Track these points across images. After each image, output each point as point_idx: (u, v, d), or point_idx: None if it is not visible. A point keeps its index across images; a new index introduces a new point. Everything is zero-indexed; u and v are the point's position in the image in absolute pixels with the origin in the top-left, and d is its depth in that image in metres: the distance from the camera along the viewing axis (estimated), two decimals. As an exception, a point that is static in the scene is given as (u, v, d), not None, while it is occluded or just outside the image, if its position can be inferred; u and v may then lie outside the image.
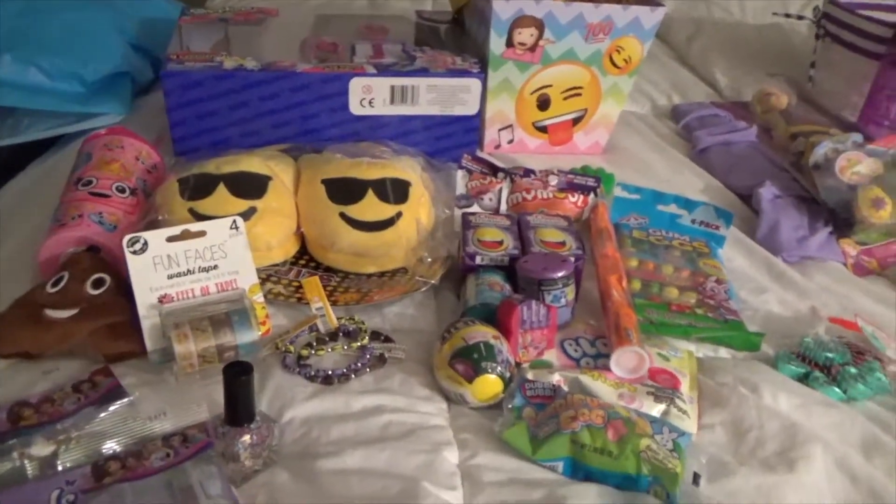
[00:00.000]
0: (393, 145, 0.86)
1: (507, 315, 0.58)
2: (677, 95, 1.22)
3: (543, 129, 0.99)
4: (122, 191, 0.69)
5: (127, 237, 0.58)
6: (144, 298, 0.57)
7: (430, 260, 0.67)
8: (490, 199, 0.82)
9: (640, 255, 0.75)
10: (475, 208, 0.82)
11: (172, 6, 1.16)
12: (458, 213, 0.80)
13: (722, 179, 0.96)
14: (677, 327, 0.65)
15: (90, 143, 0.75)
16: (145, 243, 0.58)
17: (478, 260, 0.67)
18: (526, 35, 0.89)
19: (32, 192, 0.86)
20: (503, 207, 0.82)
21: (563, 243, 0.70)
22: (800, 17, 1.31)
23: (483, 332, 0.56)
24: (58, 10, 0.94)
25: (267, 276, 0.68)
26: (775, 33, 1.52)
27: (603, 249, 0.72)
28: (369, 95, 0.86)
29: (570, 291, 0.64)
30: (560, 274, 0.62)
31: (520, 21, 0.87)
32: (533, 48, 0.90)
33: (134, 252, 0.58)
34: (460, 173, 0.85)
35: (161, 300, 0.58)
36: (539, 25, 0.88)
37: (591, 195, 0.83)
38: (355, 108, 0.87)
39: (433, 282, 0.66)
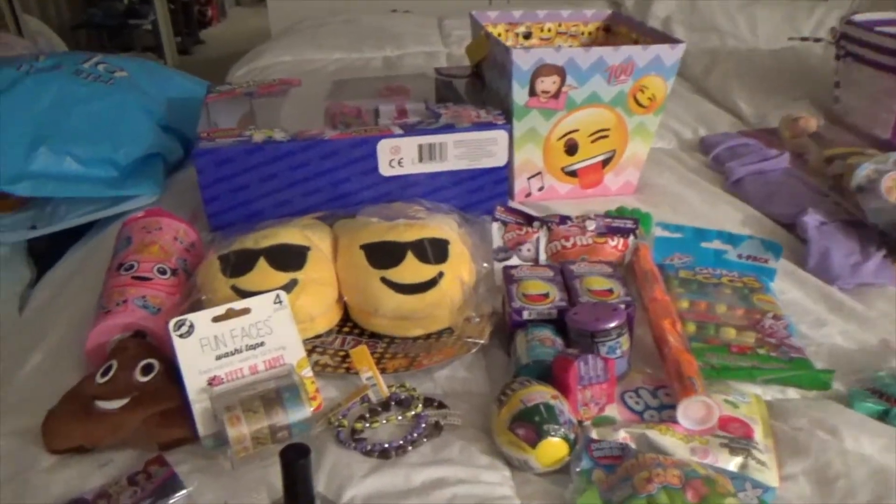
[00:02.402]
0: (426, 203, 0.86)
1: (563, 372, 0.56)
2: (703, 127, 1.22)
3: (573, 174, 0.98)
4: (164, 272, 0.69)
5: (172, 321, 0.57)
6: (194, 382, 0.57)
7: (477, 319, 0.66)
8: (528, 250, 0.81)
9: (690, 296, 0.73)
10: (514, 260, 0.80)
11: (196, 84, 1.20)
12: (497, 266, 0.79)
13: (760, 209, 0.94)
14: (741, 370, 0.62)
15: (129, 227, 0.76)
16: (191, 326, 0.58)
17: (525, 315, 0.65)
18: (548, 83, 0.89)
19: (73, 278, 0.87)
20: (542, 257, 0.80)
21: (610, 291, 0.68)
22: (816, 40, 1.31)
23: (541, 393, 0.54)
24: (86, 100, 0.96)
25: (312, 347, 0.67)
26: (791, 56, 1.52)
27: (651, 293, 0.70)
28: (398, 156, 0.87)
29: (624, 341, 0.62)
30: (613, 324, 0.60)
31: (541, 70, 0.88)
32: (556, 95, 0.90)
33: (180, 336, 0.57)
34: (495, 226, 0.84)
35: (210, 382, 0.57)
36: (560, 72, 0.88)
37: (631, 237, 0.81)
38: (385, 170, 0.87)
39: (482, 342, 0.64)
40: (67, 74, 0.98)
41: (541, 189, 0.99)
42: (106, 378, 0.58)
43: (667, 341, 0.63)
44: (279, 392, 0.56)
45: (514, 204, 0.95)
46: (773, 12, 1.76)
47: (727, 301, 0.72)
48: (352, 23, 1.92)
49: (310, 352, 0.66)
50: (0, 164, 0.88)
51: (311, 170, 0.85)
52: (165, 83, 1.12)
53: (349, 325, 0.71)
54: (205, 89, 1.15)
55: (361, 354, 0.60)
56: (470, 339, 0.64)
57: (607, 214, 0.90)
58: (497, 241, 0.83)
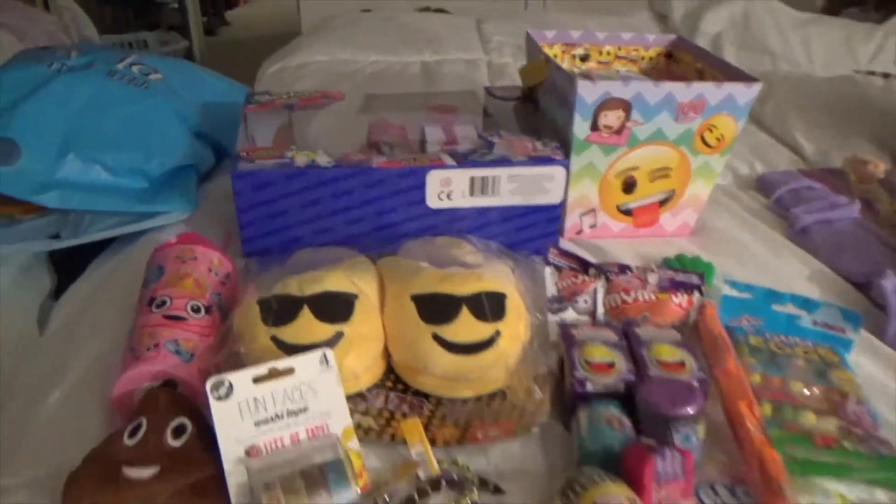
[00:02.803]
0: (473, 240, 0.81)
1: (638, 467, 0.51)
2: (759, 163, 1.15)
3: (628, 212, 0.92)
4: (197, 310, 0.64)
5: (210, 382, 0.52)
6: (230, 452, 0.52)
7: (539, 396, 0.60)
8: (585, 302, 0.75)
9: (763, 369, 0.67)
10: (570, 314, 0.75)
11: (230, 86, 1.14)
12: (552, 319, 0.74)
13: (829, 263, 0.88)
14: (826, 467, 0.57)
15: (161, 255, 0.71)
16: (230, 387, 0.53)
17: (589, 387, 0.60)
18: (612, 118, 0.83)
19: (97, 295, 0.81)
20: (600, 311, 0.75)
21: (682, 364, 0.62)
22: (885, 76, 1.23)
23: (617, 496, 0.48)
24: (119, 104, 0.91)
25: (354, 405, 0.62)
26: (850, 88, 1.45)
27: (724, 364, 0.65)
28: (447, 188, 0.81)
29: (701, 429, 0.56)
30: (692, 409, 0.55)
31: (606, 104, 0.81)
32: (619, 131, 0.84)
33: (218, 398, 0.52)
34: (548, 271, 0.79)
35: (248, 453, 0.52)
36: (626, 107, 0.82)
37: (696, 294, 0.75)
38: (432, 202, 0.81)
39: (543, 419, 0.59)
40: (101, 75, 0.92)
41: (592, 227, 0.93)
42: (135, 440, 0.53)
43: (746, 430, 0.57)
44: (323, 470, 0.51)
45: (566, 245, 0.89)
46: (828, 33, 1.69)
47: (803, 377, 0.66)
48: (388, 22, 1.86)
49: (351, 411, 0.61)
50: (27, 170, 0.83)
51: (355, 198, 0.80)
52: (199, 86, 1.07)
53: (392, 378, 0.66)
54: (238, 91, 1.10)
55: (413, 428, 0.55)
56: (530, 416, 0.58)
57: (667, 264, 0.85)
58: (550, 289, 0.77)
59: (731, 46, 1.66)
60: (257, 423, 0.53)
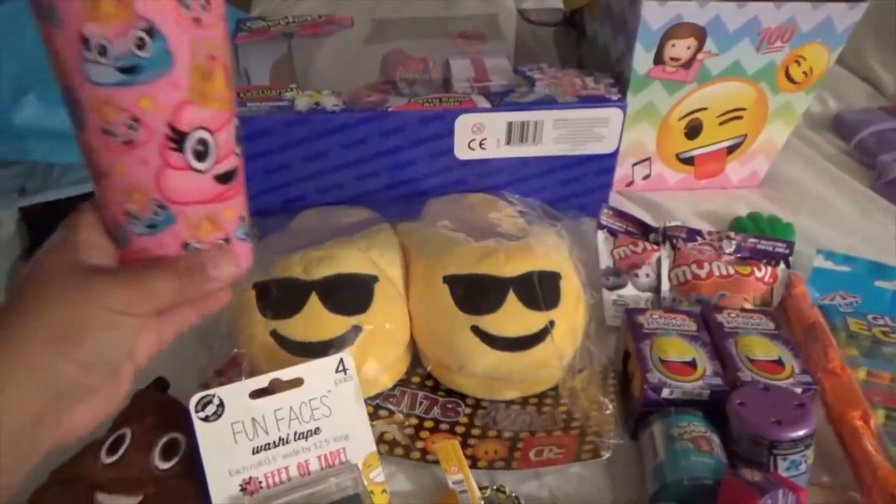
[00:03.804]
0: (513, 199, 0.68)
1: (741, 510, 0.40)
2: (832, 98, 1.00)
3: (689, 161, 0.78)
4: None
5: (195, 398, 0.41)
6: (221, 487, 0.41)
7: (609, 410, 0.48)
8: (647, 276, 0.63)
9: (867, 362, 0.55)
10: (629, 289, 0.63)
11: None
12: (607, 297, 0.62)
13: (927, 223, 0.75)
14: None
15: None
16: (220, 405, 0.41)
17: (666, 394, 0.48)
18: (681, 48, 0.68)
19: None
20: (665, 286, 0.63)
21: (779, 363, 0.50)
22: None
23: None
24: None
25: (374, 408, 0.51)
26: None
27: (825, 361, 0.53)
28: (480, 136, 0.67)
29: (811, 453, 0.45)
30: (803, 432, 0.43)
31: (675, 31, 0.66)
32: (688, 64, 0.69)
33: (205, 419, 0.41)
34: (601, 236, 0.66)
35: (244, 488, 0.41)
36: (699, 35, 0.67)
37: (782, 265, 0.63)
38: (461, 152, 0.68)
39: (613, 440, 0.47)
40: None
41: (646, 178, 0.79)
42: (114, 457, 0.43)
43: (865, 451, 0.46)
44: (340, 512, 0.40)
45: (618, 201, 0.76)
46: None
47: (917, 371, 0.55)
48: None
49: (371, 416, 0.50)
50: (-23, 115, 0.70)
51: (368, 149, 0.67)
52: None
53: (419, 373, 0.55)
54: (232, 15, 0.94)
55: (450, 451, 0.44)
56: (599, 440, 0.47)
57: (739, 225, 0.71)
58: (605, 259, 0.65)
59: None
60: (256, 450, 0.42)
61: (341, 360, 0.43)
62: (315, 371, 0.43)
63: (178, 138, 0.32)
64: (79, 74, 0.31)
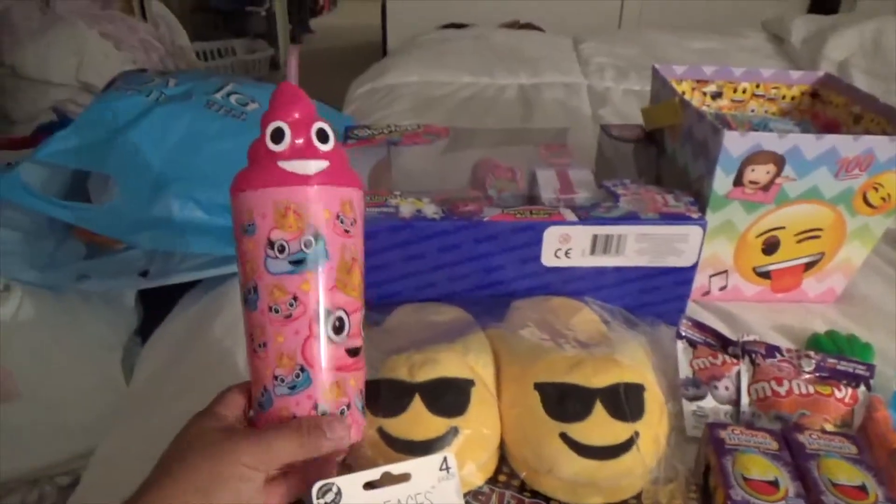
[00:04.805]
0: (595, 305, 0.72)
1: None
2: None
3: (766, 275, 0.81)
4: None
5: (316, 486, 0.45)
6: (335, 572, 0.45)
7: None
8: (727, 388, 0.65)
9: (954, 494, 0.55)
10: (708, 401, 0.65)
11: (330, 114, 1.09)
12: (687, 408, 0.64)
13: None
14: None
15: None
16: (338, 493, 0.46)
17: (750, 515, 0.50)
18: (760, 173, 0.72)
19: (188, 345, 0.77)
20: (745, 401, 0.64)
21: (862, 489, 0.51)
22: None
23: None
24: (217, 137, 0.87)
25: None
26: None
27: (911, 492, 0.53)
28: (566, 246, 0.72)
29: (900, 586, 0.45)
30: (891, 565, 0.44)
31: (755, 157, 0.71)
32: (767, 187, 0.73)
33: (323, 507, 0.45)
34: (680, 346, 0.69)
35: (354, 574, 0.45)
36: (778, 161, 0.71)
37: (862, 388, 0.64)
38: (548, 260, 0.73)
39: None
40: (199, 106, 0.89)
41: (723, 289, 0.82)
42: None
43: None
44: None
45: (694, 308, 0.79)
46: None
47: None
48: (480, 40, 1.79)
49: (462, 512, 0.53)
50: (122, 207, 0.80)
51: (462, 253, 0.73)
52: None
53: (506, 471, 0.58)
54: (338, 119, 1.05)
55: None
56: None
57: (817, 343, 0.73)
58: (684, 369, 0.67)
59: (860, 74, 1.50)
60: (366, 540, 0.46)
61: (445, 459, 0.47)
62: (422, 467, 0.47)
63: (324, 315, 0.44)
64: (260, 267, 0.44)
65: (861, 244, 0.78)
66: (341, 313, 0.45)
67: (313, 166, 0.45)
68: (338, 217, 0.45)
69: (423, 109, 1.36)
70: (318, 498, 0.45)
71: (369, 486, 0.46)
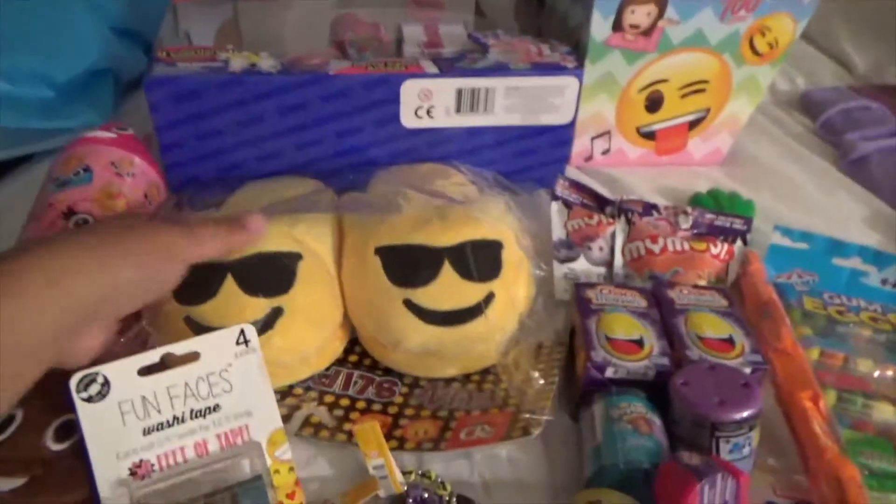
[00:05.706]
0: (463, 168, 0.64)
1: (675, 495, 0.37)
2: (802, 77, 0.97)
3: (650, 136, 0.75)
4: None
5: (76, 377, 0.37)
6: (107, 471, 0.37)
7: (541, 382, 0.45)
8: (600, 249, 0.60)
9: (821, 342, 0.52)
10: (581, 263, 0.59)
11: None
12: (559, 270, 0.58)
13: (893, 202, 0.73)
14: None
15: (92, 150, 0.54)
16: (106, 384, 0.37)
17: (609, 373, 0.45)
18: (641, 14, 0.65)
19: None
20: (619, 262, 0.60)
21: (730, 341, 0.47)
22: (956, -28, 1.03)
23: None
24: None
25: (305, 388, 0.47)
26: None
27: (777, 340, 0.50)
28: (427, 103, 0.63)
29: (756, 435, 0.42)
30: (746, 413, 0.40)
31: (635, -5, 0.63)
32: (648, 32, 0.66)
33: (89, 399, 0.37)
34: (555, 207, 0.63)
35: (134, 472, 0.37)
36: (660, 1, 0.64)
37: (739, 243, 0.60)
38: (408, 121, 0.64)
39: (547, 417, 0.44)
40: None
41: (605, 153, 0.76)
42: (3, 435, 0.39)
43: (812, 434, 0.43)
44: (236, 496, 0.37)
45: (574, 174, 0.73)
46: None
47: (872, 353, 0.52)
48: None
49: (299, 399, 0.46)
50: None
51: (308, 115, 0.62)
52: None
53: (358, 350, 0.51)
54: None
55: (369, 434, 0.40)
56: (530, 416, 0.44)
57: (698, 201, 0.69)
58: (558, 231, 0.61)
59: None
60: (147, 431, 0.38)
61: (242, 332, 0.39)
62: (213, 344, 0.39)
63: None
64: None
65: (748, 98, 0.73)
66: None
67: None
68: None
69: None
70: (78, 392, 0.37)
71: (147, 372, 0.38)
